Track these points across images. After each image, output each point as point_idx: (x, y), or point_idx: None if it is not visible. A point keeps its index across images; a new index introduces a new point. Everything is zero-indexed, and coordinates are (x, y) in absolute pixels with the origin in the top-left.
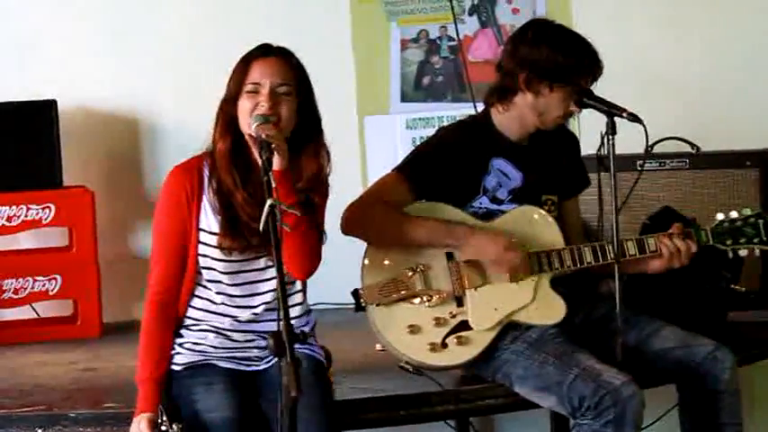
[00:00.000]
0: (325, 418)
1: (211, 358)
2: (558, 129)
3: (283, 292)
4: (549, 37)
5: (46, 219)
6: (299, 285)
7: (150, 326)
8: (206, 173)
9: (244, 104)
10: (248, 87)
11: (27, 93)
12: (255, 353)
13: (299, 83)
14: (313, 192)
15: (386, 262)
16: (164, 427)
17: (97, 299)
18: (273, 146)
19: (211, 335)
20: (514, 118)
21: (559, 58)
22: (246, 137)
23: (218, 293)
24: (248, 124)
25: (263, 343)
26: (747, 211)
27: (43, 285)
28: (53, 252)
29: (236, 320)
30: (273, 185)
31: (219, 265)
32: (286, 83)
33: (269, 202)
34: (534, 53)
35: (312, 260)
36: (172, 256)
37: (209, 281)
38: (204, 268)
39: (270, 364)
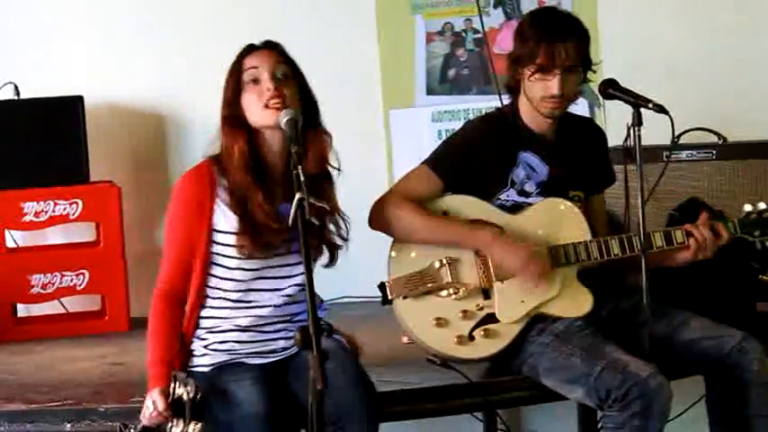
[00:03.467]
0: (364, 388)
1: (239, 356)
2: (585, 124)
3: (311, 286)
4: (521, 25)
5: (73, 214)
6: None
7: (157, 315)
8: (217, 176)
9: (248, 97)
10: (247, 76)
11: (54, 89)
12: (282, 344)
13: (293, 67)
14: (321, 179)
15: (412, 255)
16: (179, 390)
17: (125, 293)
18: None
19: (235, 333)
20: (526, 111)
21: (519, 44)
22: (265, 129)
23: (235, 292)
24: (258, 112)
25: (287, 334)
26: None
27: (71, 280)
28: (81, 247)
29: (258, 317)
30: (302, 179)
31: (236, 264)
32: (282, 66)
33: (297, 195)
34: (513, 45)
35: None
36: (182, 260)
37: (227, 279)
38: (221, 267)
39: (297, 350)
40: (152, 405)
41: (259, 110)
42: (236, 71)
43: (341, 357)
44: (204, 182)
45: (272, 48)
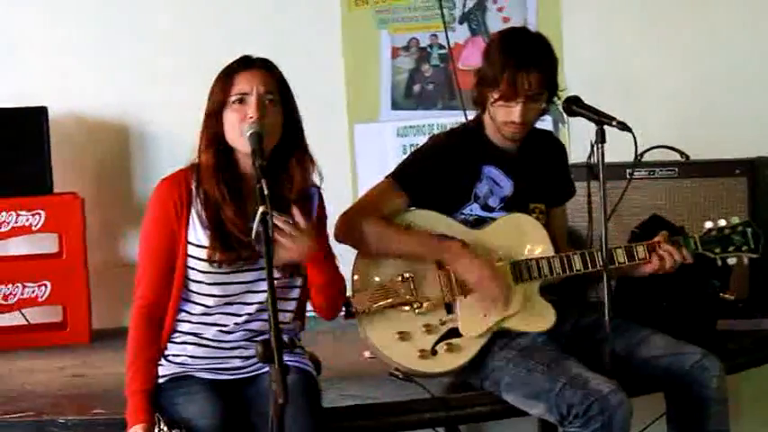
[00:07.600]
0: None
1: (191, 370)
2: (546, 137)
3: (273, 300)
4: (489, 45)
5: (36, 225)
6: (296, 293)
7: (139, 339)
8: (193, 185)
9: (230, 117)
10: (234, 98)
11: (18, 99)
12: (237, 363)
13: (282, 93)
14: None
15: (376, 269)
16: None
17: (86, 305)
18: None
19: (192, 346)
20: (490, 125)
21: (485, 65)
22: (238, 152)
23: (203, 305)
24: (237, 136)
25: (246, 352)
26: (735, 220)
27: (33, 292)
28: (43, 258)
29: (221, 331)
30: (266, 192)
31: (207, 278)
32: (272, 92)
33: (260, 209)
34: (481, 61)
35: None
36: (159, 269)
37: (195, 293)
38: (191, 281)
39: (255, 372)
40: None
41: (237, 134)
42: (225, 85)
43: (300, 411)
44: (182, 189)
45: (265, 69)
